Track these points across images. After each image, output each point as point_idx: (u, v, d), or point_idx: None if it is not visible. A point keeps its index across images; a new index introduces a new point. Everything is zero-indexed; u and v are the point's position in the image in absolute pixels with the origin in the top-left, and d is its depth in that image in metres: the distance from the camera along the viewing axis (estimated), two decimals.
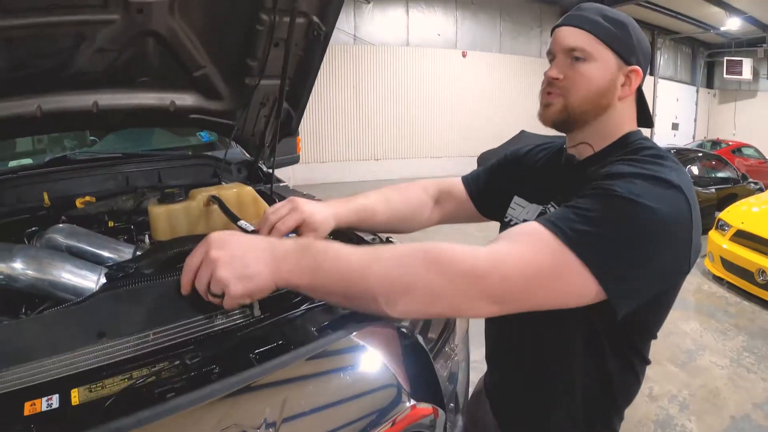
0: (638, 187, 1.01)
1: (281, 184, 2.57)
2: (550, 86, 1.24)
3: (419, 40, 14.27)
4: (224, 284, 0.96)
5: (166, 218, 1.92)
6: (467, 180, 1.63)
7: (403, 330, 1.34)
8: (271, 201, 2.29)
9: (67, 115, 2.07)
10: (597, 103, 1.21)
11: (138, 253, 1.74)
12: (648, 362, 1.26)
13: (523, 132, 11.54)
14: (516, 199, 1.46)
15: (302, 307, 1.34)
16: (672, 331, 5.17)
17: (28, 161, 2.83)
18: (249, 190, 2.07)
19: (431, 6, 14.41)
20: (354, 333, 1.22)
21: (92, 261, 1.69)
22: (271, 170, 2.44)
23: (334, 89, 13.00)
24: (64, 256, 1.47)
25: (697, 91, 23.42)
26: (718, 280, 6.68)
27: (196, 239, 1.60)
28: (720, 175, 9.84)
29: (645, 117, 1.30)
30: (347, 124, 13.34)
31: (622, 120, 1.25)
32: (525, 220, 1.34)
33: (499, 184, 1.55)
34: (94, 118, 2.14)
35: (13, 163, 2.80)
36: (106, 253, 1.74)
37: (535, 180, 1.43)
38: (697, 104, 23.56)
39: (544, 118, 1.28)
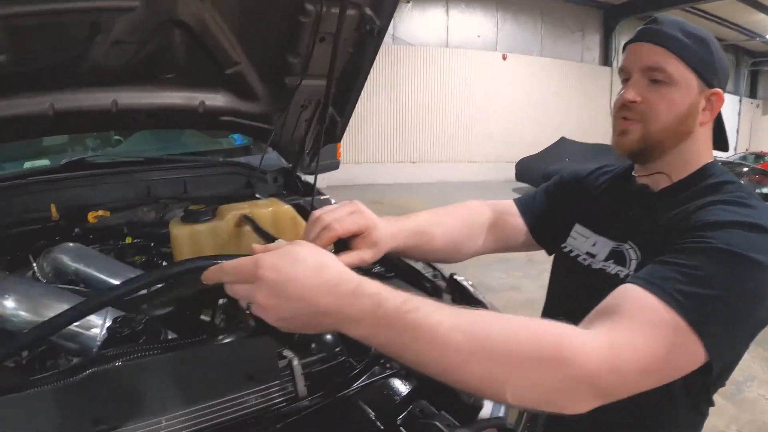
0: (739, 237, 0.92)
1: (322, 197, 2.29)
2: (625, 110, 1.14)
3: (459, 41, 13.83)
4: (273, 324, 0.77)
5: (190, 241, 1.64)
6: (522, 203, 1.45)
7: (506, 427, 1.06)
8: None
9: (83, 115, 1.82)
10: (677, 131, 1.12)
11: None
12: (712, 404, 1.18)
13: (563, 139, 11.16)
14: (577, 227, 1.34)
15: (355, 386, 1.07)
16: None
17: (44, 162, 2.58)
18: (287, 209, 1.78)
19: (471, 6, 13.94)
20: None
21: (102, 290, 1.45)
22: (312, 178, 2.17)
23: (371, 89, 12.36)
24: (62, 294, 1.21)
25: (740, 101, 22.43)
26: None
27: None
28: (765, 190, 9.29)
29: (722, 141, 1.22)
30: (383, 126, 12.96)
31: (701, 148, 1.17)
32: (589, 253, 1.25)
33: (558, 208, 1.42)
34: (113, 118, 1.88)
35: (27, 164, 2.55)
36: (116, 282, 1.46)
37: (599, 208, 1.32)
38: (740, 115, 22.55)
39: (620, 147, 1.17)
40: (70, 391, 0.87)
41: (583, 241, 1.29)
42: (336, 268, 0.79)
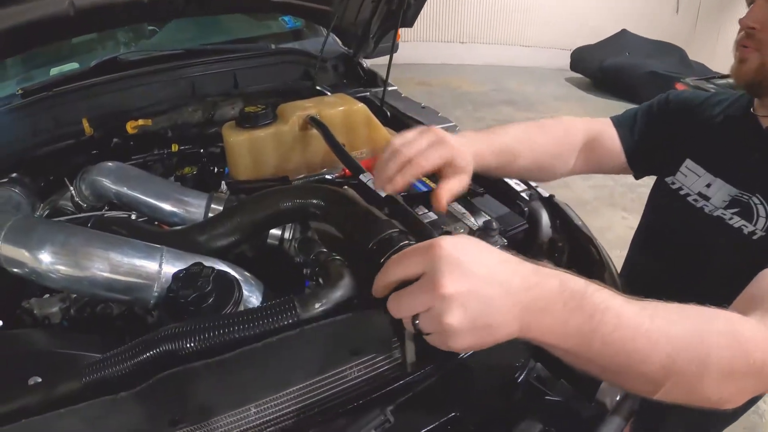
0: None
1: (390, 89, 1.97)
2: (745, 37, 1.08)
3: None
4: (448, 333, 0.61)
5: (248, 149, 1.40)
6: (621, 124, 1.33)
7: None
8: (382, 115, 1.72)
9: (109, 9, 1.53)
10: None
11: (213, 207, 1.23)
12: None
13: (624, 31, 10.30)
14: (689, 163, 1.24)
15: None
16: None
17: (73, 66, 2.29)
18: (360, 109, 1.50)
19: None
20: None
21: (149, 215, 1.27)
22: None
23: None
24: (105, 239, 0.98)
25: None
26: None
27: (297, 193, 1.11)
28: None
29: None
30: (432, 1, 12.04)
31: None
32: (702, 194, 1.19)
33: (664, 136, 1.30)
34: (145, 8, 1.60)
35: (54, 70, 2.26)
36: (167, 206, 1.24)
37: (714, 144, 1.21)
38: None
39: (737, 76, 1.11)
40: (134, 400, 0.67)
41: (695, 180, 1.21)
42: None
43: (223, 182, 1.35)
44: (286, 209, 1.11)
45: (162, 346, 0.73)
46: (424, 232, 0.90)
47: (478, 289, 0.60)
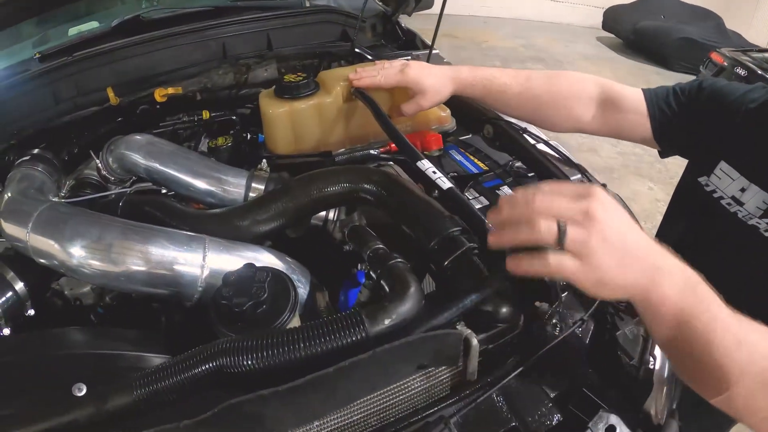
0: None
1: (435, 52, 1.87)
2: None
3: None
4: (587, 252, 0.65)
5: (289, 122, 1.30)
6: (653, 98, 1.25)
7: None
8: None
9: None
10: None
11: (253, 185, 1.13)
12: None
13: None
14: (723, 165, 1.17)
15: (530, 361, 0.86)
16: None
17: (92, 25, 2.14)
18: None
19: None
20: None
21: (182, 193, 1.17)
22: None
23: None
24: (142, 231, 0.89)
25: None
26: None
27: (349, 176, 1.05)
28: None
29: None
30: None
31: None
32: (735, 198, 1.14)
33: (693, 123, 1.22)
34: None
35: (72, 31, 2.11)
36: (202, 185, 1.15)
37: (749, 146, 1.13)
38: None
39: None
40: (204, 425, 0.62)
41: (728, 183, 1.15)
42: None
43: (264, 160, 1.25)
44: (336, 193, 1.03)
45: (218, 361, 0.66)
46: (479, 224, 0.89)
47: (622, 230, 0.66)
